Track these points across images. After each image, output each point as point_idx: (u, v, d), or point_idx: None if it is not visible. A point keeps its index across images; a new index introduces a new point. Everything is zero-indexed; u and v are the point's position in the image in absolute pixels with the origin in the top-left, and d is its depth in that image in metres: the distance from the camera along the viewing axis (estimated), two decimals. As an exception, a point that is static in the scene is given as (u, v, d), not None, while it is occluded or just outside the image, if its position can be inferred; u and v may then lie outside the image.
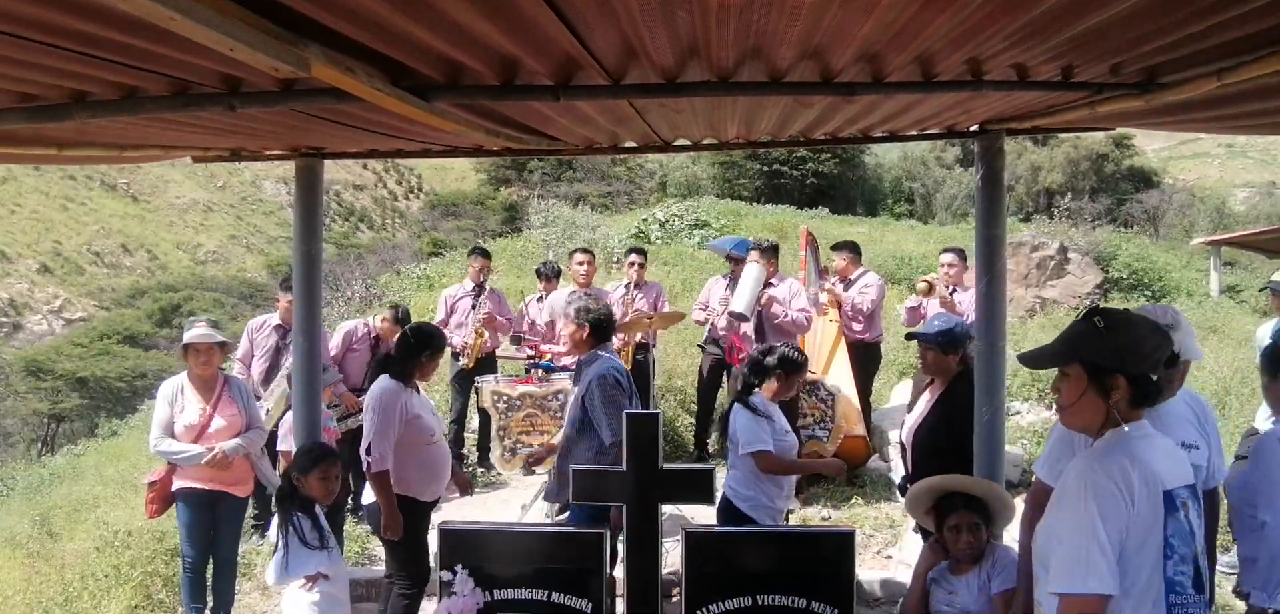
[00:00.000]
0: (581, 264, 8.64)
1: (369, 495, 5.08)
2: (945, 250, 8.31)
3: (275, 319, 7.64)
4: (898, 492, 5.35)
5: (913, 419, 4.99)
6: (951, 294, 7.80)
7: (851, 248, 8.87)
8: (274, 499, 4.69)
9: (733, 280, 8.57)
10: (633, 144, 5.17)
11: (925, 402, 4.97)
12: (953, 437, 4.75)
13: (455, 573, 4.34)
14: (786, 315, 7.73)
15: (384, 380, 5.10)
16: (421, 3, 2.21)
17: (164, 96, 3.14)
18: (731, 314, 7.66)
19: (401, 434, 4.97)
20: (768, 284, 7.84)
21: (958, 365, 4.86)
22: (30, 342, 33.51)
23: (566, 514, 6.64)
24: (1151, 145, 44.52)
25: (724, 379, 8.56)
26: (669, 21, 2.48)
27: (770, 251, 8.03)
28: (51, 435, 24.40)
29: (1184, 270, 18.23)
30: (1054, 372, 2.77)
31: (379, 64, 2.75)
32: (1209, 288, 17.80)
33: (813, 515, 7.46)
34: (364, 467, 4.98)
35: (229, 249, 48.74)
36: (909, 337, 4.99)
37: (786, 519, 5.40)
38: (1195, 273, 18.62)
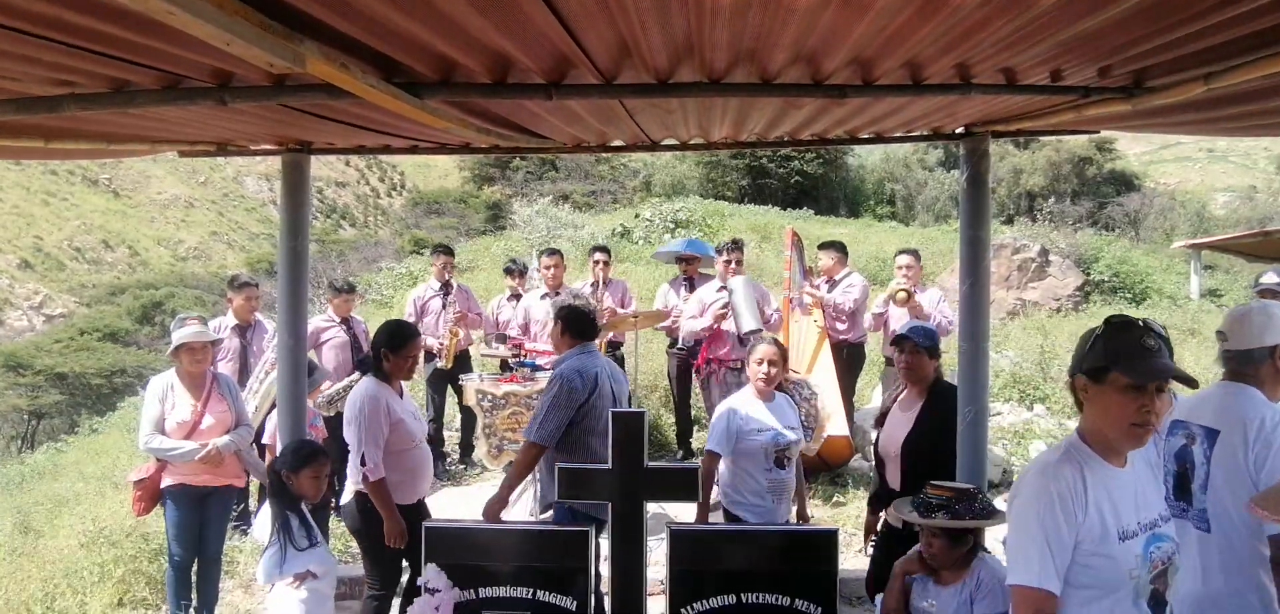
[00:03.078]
0: (548, 266, 8.63)
1: (346, 495, 5.04)
2: (901, 252, 8.39)
3: (231, 319, 7.62)
4: (867, 504, 5.33)
5: (893, 428, 4.90)
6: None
7: (838, 247, 8.91)
8: (267, 495, 4.65)
9: (688, 281, 8.67)
10: (620, 143, 5.19)
11: (901, 411, 4.93)
12: (945, 442, 4.76)
13: (429, 572, 4.32)
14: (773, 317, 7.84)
15: (364, 384, 5.02)
16: None
17: (154, 90, 3.13)
18: (746, 334, 7.65)
19: (387, 438, 4.93)
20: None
21: (933, 373, 4.85)
22: (10, 337, 33.18)
23: (550, 514, 6.63)
24: (1133, 149, 44.84)
25: (693, 380, 8.62)
26: (664, 21, 2.50)
27: (736, 249, 8.12)
28: (31, 432, 24.19)
29: (1165, 273, 18.38)
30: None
31: (373, 60, 2.75)
32: (1189, 291, 17.96)
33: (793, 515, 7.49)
34: (358, 477, 4.90)
35: (210, 246, 48.43)
36: (897, 340, 4.94)
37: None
38: (1176, 276, 18.78)
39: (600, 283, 8.72)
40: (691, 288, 8.67)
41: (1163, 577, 2.58)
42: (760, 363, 5.15)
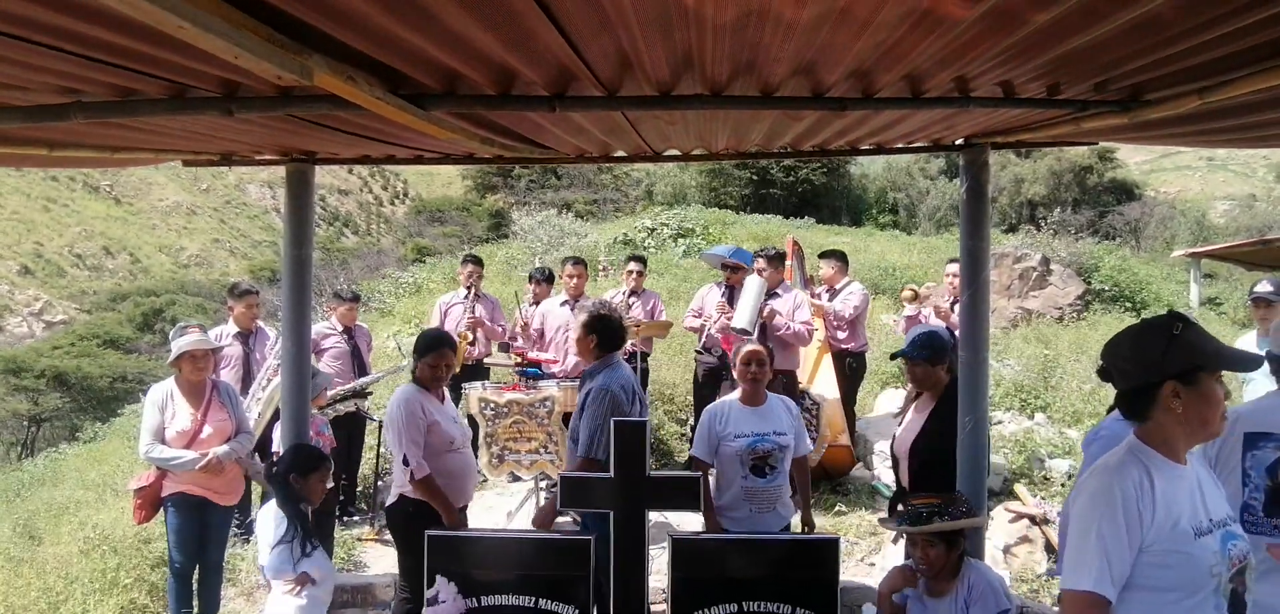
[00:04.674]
0: (572, 276, 8.66)
1: (391, 497, 5.19)
2: (951, 260, 8.36)
3: (232, 328, 7.63)
4: (888, 506, 5.33)
5: (905, 431, 4.94)
6: (952, 306, 7.86)
7: (839, 257, 8.91)
8: (279, 498, 4.67)
9: (729, 289, 8.62)
10: (623, 153, 5.22)
11: (915, 413, 4.95)
12: (949, 444, 4.78)
13: (438, 583, 4.36)
14: (789, 328, 7.75)
15: (401, 390, 5.16)
16: (423, 13, 2.25)
17: (161, 100, 3.16)
18: (734, 330, 7.64)
19: (425, 439, 5.01)
20: (771, 295, 7.86)
21: (946, 375, 4.83)
22: (10, 344, 33.20)
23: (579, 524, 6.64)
24: (1134, 158, 44.87)
25: (722, 386, 8.60)
26: (665, 35, 2.53)
27: (777, 260, 8.08)
28: (32, 438, 24.19)
29: (1165, 282, 18.40)
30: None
31: (378, 72, 2.78)
32: (1190, 300, 17.97)
33: (798, 523, 7.51)
34: (404, 479, 5.03)
35: (212, 253, 48.48)
36: (894, 357, 4.98)
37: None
38: (1176, 285, 18.81)
39: (631, 292, 8.78)
40: (731, 297, 8.64)
41: (1241, 575, 2.53)
42: (747, 363, 5.12)
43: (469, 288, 9.05)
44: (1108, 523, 2.43)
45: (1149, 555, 2.42)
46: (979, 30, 2.47)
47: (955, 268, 8.08)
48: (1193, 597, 2.43)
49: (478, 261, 9.46)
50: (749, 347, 5.21)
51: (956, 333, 7.60)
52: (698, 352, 8.75)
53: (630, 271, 9.00)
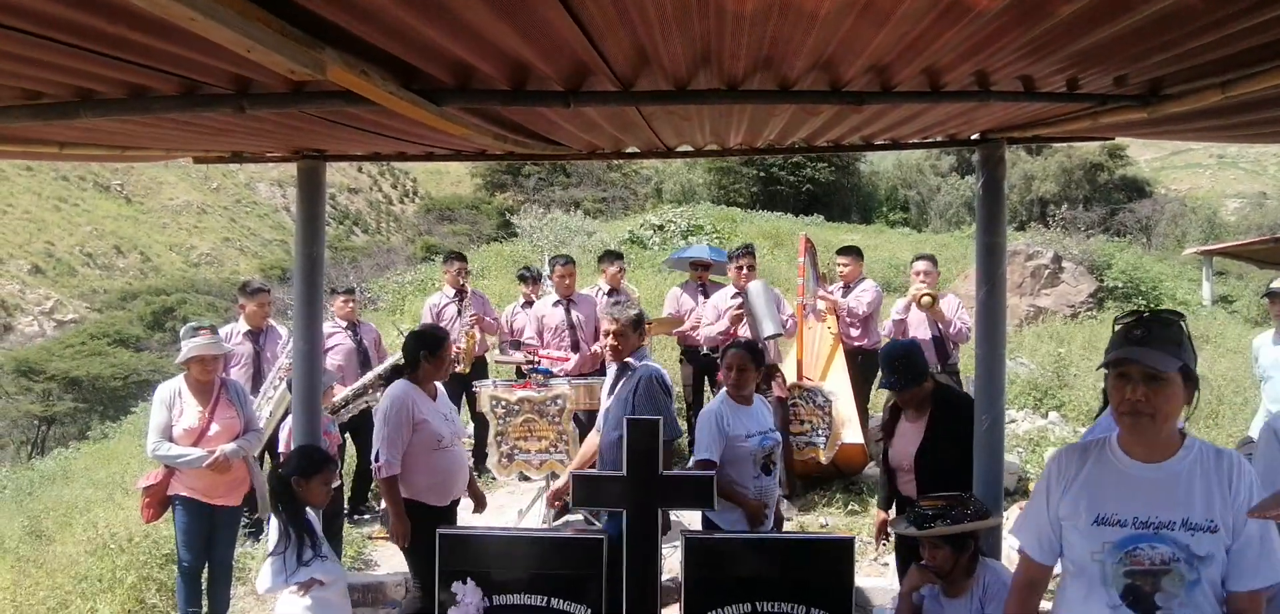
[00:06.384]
0: (562, 276, 8.67)
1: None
2: (918, 258, 8.38)
3: (243, 326, 7.60)
4: (879, 506, 5.30)
5: (902, 441, 4.88)
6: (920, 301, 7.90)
7: (855, 253, 8.87)
8: (273, 502, 4.65)
9: (702, 288, 8.69)
10: (635, 149, 5.18)
11: (912, 423, 4.88)
12: (955, 451, 4.73)
13: (465, 583, 4.34)
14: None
15: (395, 386, 5.16)
16: (438, 5, 2.21)
17: (172, 96, 3.13)
18: (767, 339, 7.60)
19: (408, 438, 5.01)
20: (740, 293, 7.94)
21: (930, 386, 4.80)
22: (21, 343, 33.33)
23: (564, 520, 6.61)
24: (1144, 155, 44.70)
25: (706, 385, 8.62)
26: (684, 28, 2.49)
27: (747, 255, 8.13)
28: (42, 438, 24.28)
29: (1177, 280, 18.32)
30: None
31: (391, 67, 2.75)
32: (1202, 297, 17.90)
33: (811, 522, 7.48)
34: (373, 472, 5.09)
35: (222, 251, 48.62)
36: (883, 387, 4.95)
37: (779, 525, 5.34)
38: (1188, 282, 18.73)
39: (619, 289, 8.76)
40: (705, 294, 8.66)
41: (1152, 578, 2.55)
42: (730, 369, 5.06)
43: (458, 287, 9.02)
44: (1037, 492, 2.85)
45: (1062, 528, 2.74)
46: (1003, 22, 2.43)
47: (923, 265, 8.09)
48: (1082, 575, 2.68)
49: (462, 258, 9.44)
50: (732, 352, 5.13)
51: (945, 328, 7.66)
52: (682, 357, 8.77)
53: (617, 269, 8.95)
